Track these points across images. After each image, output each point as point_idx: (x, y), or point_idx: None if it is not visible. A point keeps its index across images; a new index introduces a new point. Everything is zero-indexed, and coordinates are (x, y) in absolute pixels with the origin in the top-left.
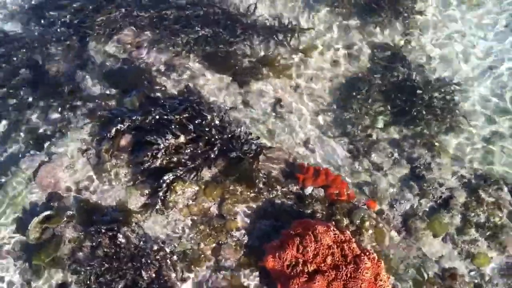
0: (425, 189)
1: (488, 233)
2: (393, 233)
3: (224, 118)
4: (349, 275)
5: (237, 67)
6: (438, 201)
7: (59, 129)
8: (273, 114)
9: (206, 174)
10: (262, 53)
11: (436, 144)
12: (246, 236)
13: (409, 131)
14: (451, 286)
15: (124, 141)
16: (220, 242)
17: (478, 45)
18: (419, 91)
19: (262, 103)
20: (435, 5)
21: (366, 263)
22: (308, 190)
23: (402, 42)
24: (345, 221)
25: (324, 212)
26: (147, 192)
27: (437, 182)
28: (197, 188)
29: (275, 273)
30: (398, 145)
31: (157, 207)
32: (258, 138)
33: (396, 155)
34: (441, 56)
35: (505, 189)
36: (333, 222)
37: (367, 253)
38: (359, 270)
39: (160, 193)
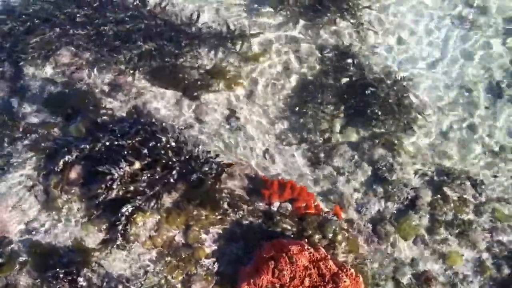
0: (390, 191)
1: (457, 231)
2: (365, 242)
3: (180, 138)
4: None
5: (186, 81)
6: (404, 203)
7: (0, 165)
8: (228, 127)
9: (167, 200)
10: (212, 64)
11: (395, 143)
12: (216, 263)
13: (367, 132)
14: None
15: (73, 174)
16: (190, 273)
17: (427, 38)
18: (372, 89)
19: (216, 117)
20: None
21: (345, 281)
22: (275, 206)
23: (350, 40)
24: (317, 236)
25: (294, 229)
26: (105, 227)
27: (401, 183)
28: (158, 217)
29: None
30: (358, 147)
31: (118, 242)
32: (217, 156)
33: (356, 158)
34: (391, 52)
35: (468, 183)
36: (305, 239)
37: (345, 270)
38: None
39: (120, 227)
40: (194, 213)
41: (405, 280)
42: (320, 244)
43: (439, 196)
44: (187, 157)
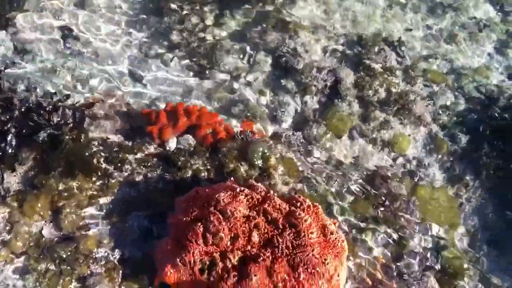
0: (304, 82)
1: (395, 108)
2: (301, 156)
3: (3, 85)
4: (290, 246)
5: None
6: (325, 92)
7: None
8: (69, 52)
9: (12, 182)
10: None
11: (288, 19)
12: (116, 250)
13: (249, 16)
14: (387, 191)
15: None
16: (82, 275)
17: None
18: None
19: (45, 42)
20: None
21: (305, 220)
22: (172, 143)
23: None
24: (243, 168)
25: (209, 166)
26: None
27: (313, 69)
28: (7, 209)
29: None
30: (245, 38)
31: None
32: (68, 96)
33: (249, 52)
34: None
35: (386, 47)
36: (231, 178)
37: (299, 203)
38: (302, 234)
39: None
40: (60, 187)
41: (355, 187)
42: (250, 177)
43: (362, 73)
44: (22, 109)
